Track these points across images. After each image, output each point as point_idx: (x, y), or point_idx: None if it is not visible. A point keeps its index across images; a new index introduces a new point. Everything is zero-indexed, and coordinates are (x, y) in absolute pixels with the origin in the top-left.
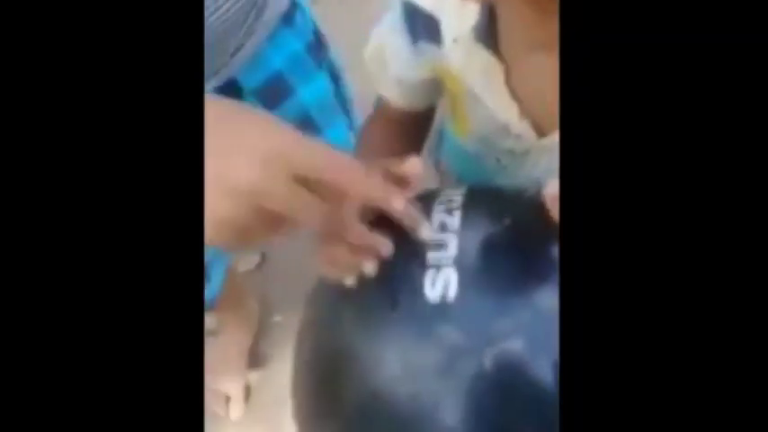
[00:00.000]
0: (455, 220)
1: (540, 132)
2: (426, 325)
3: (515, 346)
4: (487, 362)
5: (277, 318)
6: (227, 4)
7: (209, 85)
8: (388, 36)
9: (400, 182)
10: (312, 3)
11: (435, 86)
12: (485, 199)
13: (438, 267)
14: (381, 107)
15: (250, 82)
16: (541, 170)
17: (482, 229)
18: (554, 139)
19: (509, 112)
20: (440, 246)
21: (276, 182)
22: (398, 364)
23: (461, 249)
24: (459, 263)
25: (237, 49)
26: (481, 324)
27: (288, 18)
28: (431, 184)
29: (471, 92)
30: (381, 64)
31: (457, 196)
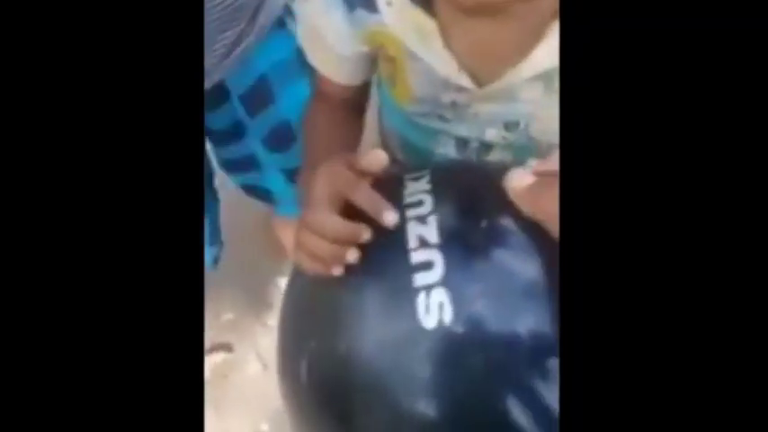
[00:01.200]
0: (432, 232)
1: (479, 83)
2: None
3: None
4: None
5: (229, 315)
6: (224, 3)
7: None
8: (322, 12)
9: (363, 173)
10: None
11: (372, 59)
12: (452, 196)
13: (428, 290)
14: (320, 85)
15: (238, 87)
16: (482, 120)
17: (462, 238)
18: (494, 87)
19: (447, 66)
20: (425, 265)
21: None
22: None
23: (447, 265)
24: (447, 282)
25: (230, 51)
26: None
27: (281, 22)
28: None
29: (410, 51)
30: (317, 41)
31: (423, 195)
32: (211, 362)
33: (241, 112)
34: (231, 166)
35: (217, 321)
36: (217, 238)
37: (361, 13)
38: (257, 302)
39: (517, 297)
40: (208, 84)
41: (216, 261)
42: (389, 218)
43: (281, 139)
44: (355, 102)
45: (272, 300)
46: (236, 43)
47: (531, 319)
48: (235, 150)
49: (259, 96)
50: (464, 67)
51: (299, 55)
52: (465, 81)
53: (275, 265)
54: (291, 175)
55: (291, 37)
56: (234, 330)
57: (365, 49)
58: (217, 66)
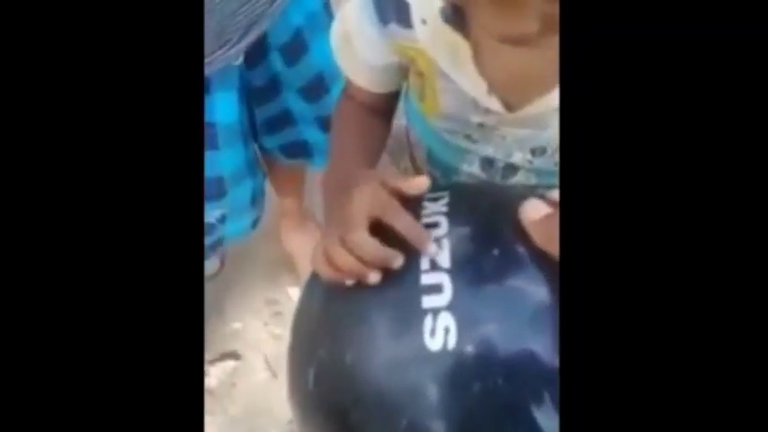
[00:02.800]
0: (445, 256)
1: (509, 108)
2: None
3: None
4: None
5: (237, 324)
6: None
7: (244, 42)
8: (355, 20)
9: (400, 194)
10: None
11: (402, 70)
12: (468, 221)
13: (435, 313)
14: (350, 88)
15: (276, 39)
16: (509, 143)
17: (474, 265)
18: (524, 113)
19: (478, 88)
20: (435, 288)
21: None
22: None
23: (455, 291)
24: (454, 307)
25: (272, 2)
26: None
27: None
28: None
29: (441, 70)
30: (348, 47)
31: (440, 217)
32: (219, 370)
33: (279, 65)
34: (270, 126)
35: (224, 330)
36: (259, 203)
37: (394, 26)
38: (265, 311)
39: (522, 327)
40: (256, 33)
41: (255, 224)
42: (431, 249)
43: (316, 88)
44: (383, 107)
45: (279, 308)
46: None
47: (536, 349)
48: (272, 107)
49: (296, 47)
50: (494, 90)
51: (326, 6)
52: (494, 105)
53: (283, 274)
54: (325, 123)
55: None
56: (241, 339)
57: (395, 60)
58: (260, 16)
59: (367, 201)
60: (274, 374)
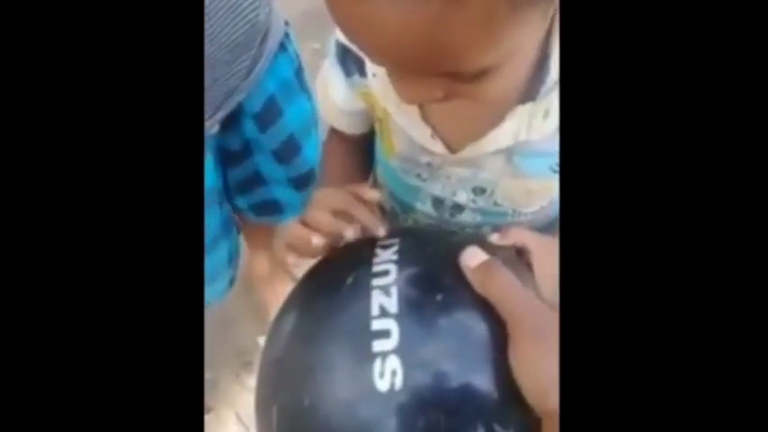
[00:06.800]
0: (393, 303)
1: (452, 150)
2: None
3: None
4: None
5: (208, 375)
6: (232, 28)
7: (220, 114)
8: (328, 75)
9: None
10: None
11: (371, 115)
12: (415, 268)
13: (384, 356)
14: (332, 131)
15: (251, 107)
16: (454, 182)
17: (418, 310)
18: (464, 154)
19: (422, 133)
20: (384, 333)
21: None
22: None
23: (402, 335)
24: (400, 350)
25: (249, 72)
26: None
27: (282, 45)
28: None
29: (392, 117)
30: (326, 98)
31: (390, 264)
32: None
33: (252, 131)
34: (240, 187)
35: None
36: (235, 261)
37: (356, 78)
38: (237, 362)
39: (463, 363)
40: (232, 104)
41: (231, 283)
42: (381, 231)
43: (289, 149)
44: (359, 146)
45: (251, 359)
46: (252, 65)
47: (476, 383)
48: (244, 169)
49: (270, 113)
50: (438, 134)
51: (298, 74)
52: (438, 147)
53: (255, 324)
54: (297, 183)
55: (291, 58)
56: (213, 391)
57: (363, 105)
58: (240, 86)
59: (331, 197)
60: (247, 429)
